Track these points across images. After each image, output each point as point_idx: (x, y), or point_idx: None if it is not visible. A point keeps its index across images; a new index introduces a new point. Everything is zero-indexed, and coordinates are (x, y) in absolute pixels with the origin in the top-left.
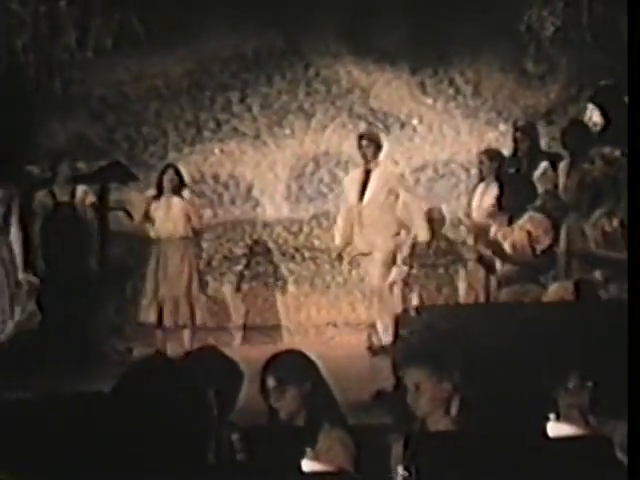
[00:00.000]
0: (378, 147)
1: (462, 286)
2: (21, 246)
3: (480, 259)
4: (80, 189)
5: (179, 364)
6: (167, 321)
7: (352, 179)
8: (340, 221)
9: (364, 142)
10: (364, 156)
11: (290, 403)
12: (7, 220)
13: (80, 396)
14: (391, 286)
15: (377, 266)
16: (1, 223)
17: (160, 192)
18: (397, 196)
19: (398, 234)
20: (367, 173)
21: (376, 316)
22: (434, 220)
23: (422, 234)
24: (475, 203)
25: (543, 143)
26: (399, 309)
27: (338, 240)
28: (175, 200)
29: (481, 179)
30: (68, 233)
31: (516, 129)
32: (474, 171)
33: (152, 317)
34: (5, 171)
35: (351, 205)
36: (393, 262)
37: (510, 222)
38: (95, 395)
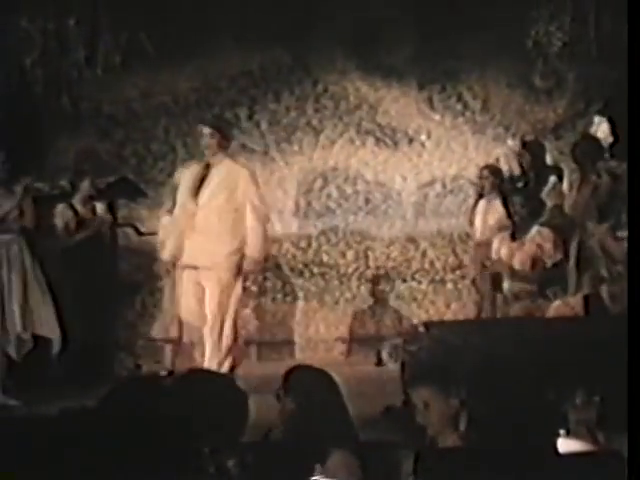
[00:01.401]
0: (224, 138)
1: (470, 302)
2: None
3: (487, 275)
4: (100, 207)
5: (169, 387)
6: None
7: (189, 174)
8: (172, 225)
9: (205, 130)
10: (207, 147)
11: (305, 418)
12: None
13: (70, 411)
14: (225, 316)
15: (215, 289)
16: None
17: None
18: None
19: (241, 250)
20: (208, 168)
21: (207, 352)
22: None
23: (249, 250)
24: (479, 220)
25: (551, 158)
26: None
27: (168, 247)
28: None
29: (480, 195)
30: (86, 249)
31: (523, 144)
32: None
33: (173, 333)
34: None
35: (183, 205)
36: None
37: (513, 237)
38: (81, 410)
